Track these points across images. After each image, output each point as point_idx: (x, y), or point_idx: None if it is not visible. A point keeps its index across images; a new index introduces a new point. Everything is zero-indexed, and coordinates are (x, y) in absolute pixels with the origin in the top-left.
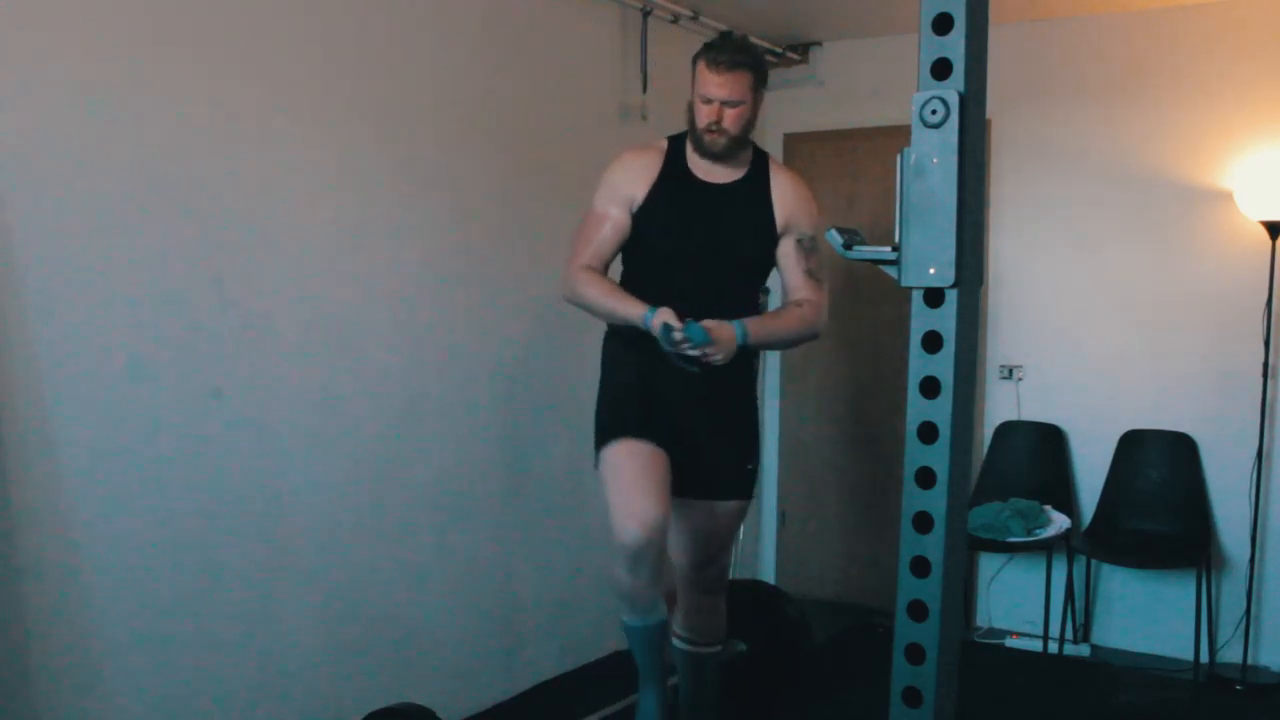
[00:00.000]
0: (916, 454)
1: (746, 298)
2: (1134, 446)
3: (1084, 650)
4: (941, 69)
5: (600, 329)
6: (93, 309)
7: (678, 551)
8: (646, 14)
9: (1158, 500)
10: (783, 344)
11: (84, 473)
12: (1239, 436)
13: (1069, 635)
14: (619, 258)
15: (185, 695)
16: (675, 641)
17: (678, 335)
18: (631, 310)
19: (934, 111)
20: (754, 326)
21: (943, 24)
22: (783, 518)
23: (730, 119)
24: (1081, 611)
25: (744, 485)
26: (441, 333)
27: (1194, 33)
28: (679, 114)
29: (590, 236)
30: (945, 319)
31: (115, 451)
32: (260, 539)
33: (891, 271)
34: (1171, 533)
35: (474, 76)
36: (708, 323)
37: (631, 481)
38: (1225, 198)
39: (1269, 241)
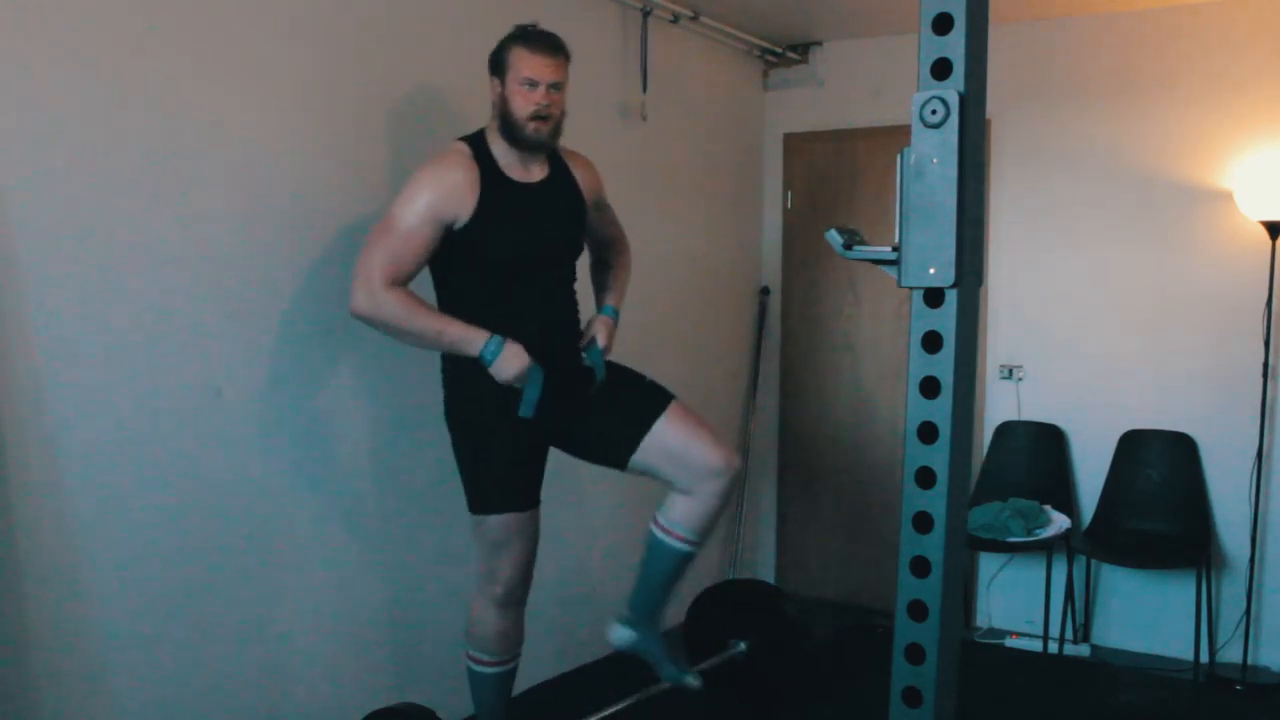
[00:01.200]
0: (916, 454)
1: (571, 289)
2: (1134, 446)
3: (1084, 650)
4: (941, 69)
5: None
6: (93, 308)
7: (687, 477)
8: (646, 14)
9: (1158, 500)
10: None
11: (84, 473)
12: (1239, 436)
13: (1069, 635)
14: (424, 275)
15: (185, 695)
16: (676, 544)
17: (533, 393)
18: (469, 336)
19: (934, 111)
20: (617, 300)
21: (943, 24)
22: (782, 518)
23: (557, 103)
24: (1081, 611)
25: (660, 390)
26: None
27: (1194, 33)
28: (679, 114)
29: (397, 253)
30: (945, 319)
31: (115, 451)
32: (260, 538)
33: (891, 271)
34: (1171, 533)
35: (474, 76)
36: (597, 336)
37: (519, 549)
38: (1225, 198)
39: (1269, 241)
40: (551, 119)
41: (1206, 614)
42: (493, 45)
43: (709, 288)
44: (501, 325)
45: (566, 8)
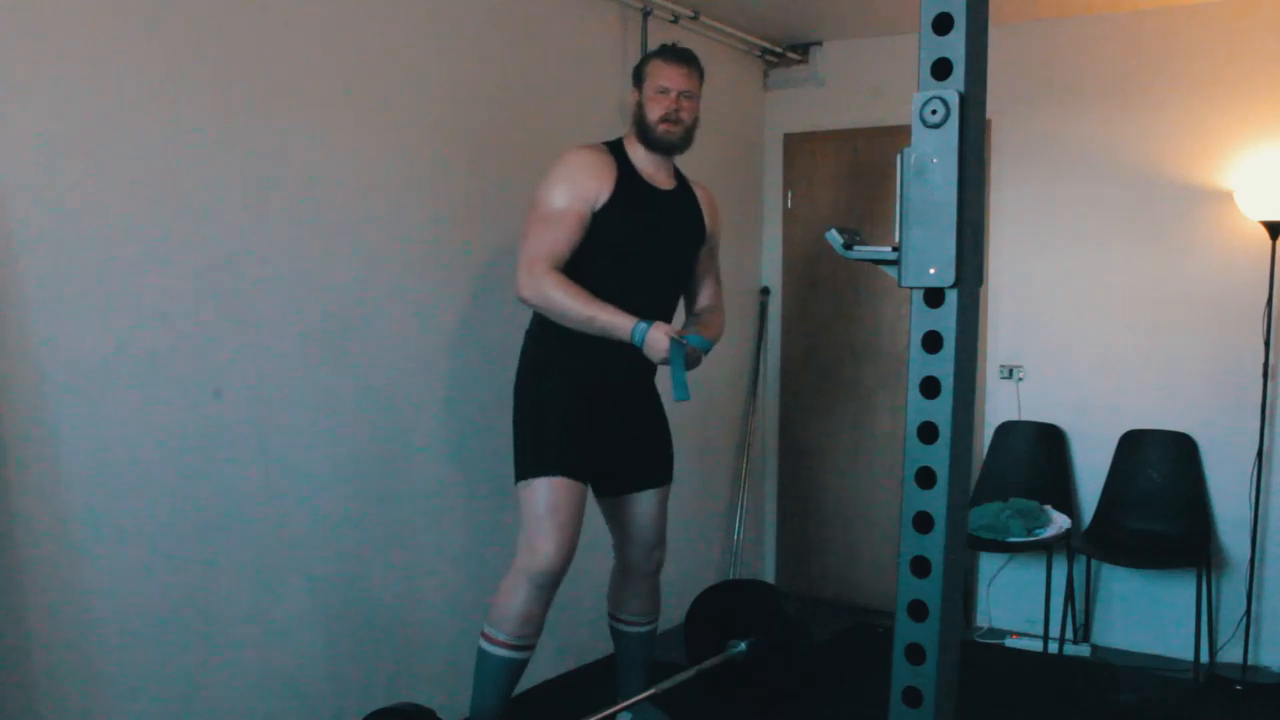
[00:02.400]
0: (916, 454)
1: (676, 299)
2: (1134, 446)
3: (1084, 650)
4: (941, 69)
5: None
6: (93, 309)
7: (629, 545)
8: (646, 14)
9: (1158, 500)
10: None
11: (84, 473)
12: (1239, 436)
13: (1069, 635)
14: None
15: (185, 695)
16: (626, 628)
17: (690, 354)
18: (618, 322)
19: (934, 111)
20: (707, 333)
21: (943, 24)
22: (782, 518)
23: (687, 110)
24: (1081, 611)
25: (671, 468)
26: (442, 332)
27: (1194, 33)
28: None
29: (555, 235)
30: (945, 319)
31: (115, 451)
32: (260, 539)
33: (891, 271)
34: (1171, 533)
35: (474, 76)
36: (688, 331)
37: (564, 521)
38: (1225, 198)
39: (1269, 241)
40: (681, 124)
41: (1206, 614)
42: (490, 45)
43: None
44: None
45: (566, 8)
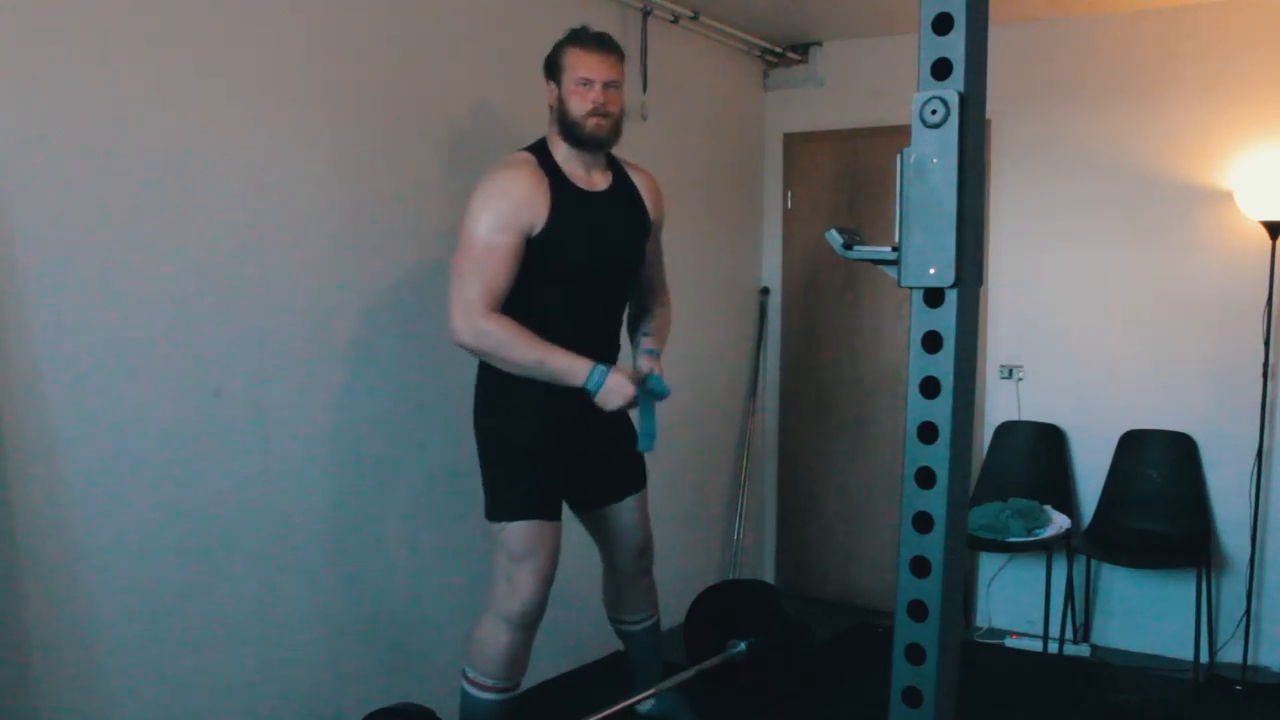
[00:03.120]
0: (916, 454)
1: (624, 307)
2: (1134, 446)
3: (1084, 650)
4: (941, 69)
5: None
6: (93, 309)
7: (617, 553)
8: (646, 14)
9: (1158, 500)
10: None
11: (84, 473)
12: (1239, 436)
13: (1069, 635)
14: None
15: (185, 695)
16: (630, 627)
17: (650, 400)
18: (571, 368)
19: (934, 111)
20: (660, 345)
21: (943, 24)
22: (782, 518)
23: (613, 101)
24: (1081, 611)
25: (643, 470)
26: (442, 332)
27: (1194, 33)
28: (679, 114)
29: (491, 273)
30: (945, 319)
31: (115, 451)
32: (260, 539)
33: (891, 271)
34: (1171, 533)
35: (473, 77)
36: (644, 366)
37: (543, 563)
38: (1225, 198)
39: (1269, 241)
40: (610, 116)
41: (1206, 614)
42: (489, 46)
43: (709, 288)
44: (560, 338)
45: (566, 8)
